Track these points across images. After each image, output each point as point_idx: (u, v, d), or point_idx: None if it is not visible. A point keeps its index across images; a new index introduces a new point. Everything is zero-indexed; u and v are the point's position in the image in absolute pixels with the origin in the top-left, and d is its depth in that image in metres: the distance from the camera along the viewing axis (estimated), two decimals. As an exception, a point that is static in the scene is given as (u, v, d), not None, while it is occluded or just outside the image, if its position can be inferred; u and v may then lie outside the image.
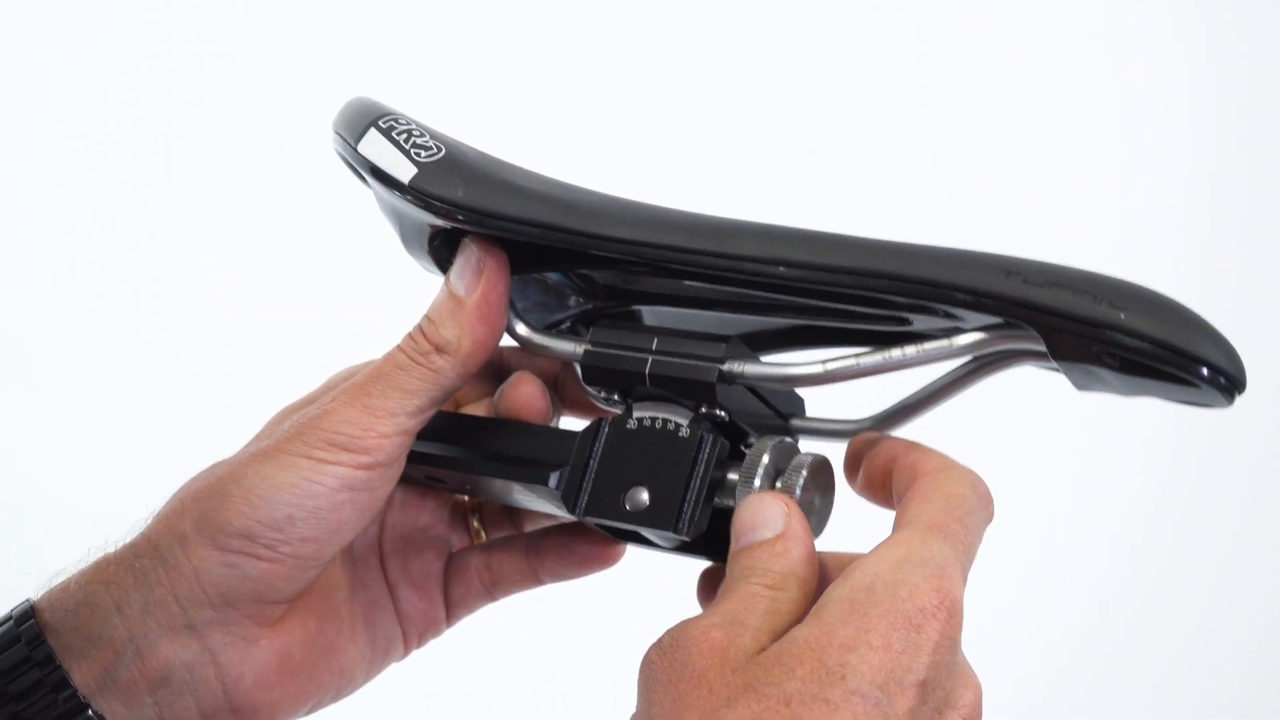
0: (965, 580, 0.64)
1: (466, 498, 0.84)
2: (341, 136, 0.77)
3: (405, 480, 0.80)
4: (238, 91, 1.50)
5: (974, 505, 0.66)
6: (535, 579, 0.81)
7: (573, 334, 0.82)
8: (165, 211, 1.49)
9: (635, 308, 0.81)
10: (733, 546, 0.67)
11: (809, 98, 1.57)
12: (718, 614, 0.63)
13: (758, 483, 0.70)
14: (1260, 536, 1.59)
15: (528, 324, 0.78)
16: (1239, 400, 0.66)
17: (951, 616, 0.61)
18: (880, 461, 0.71)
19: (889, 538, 0.65)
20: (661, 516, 0.71)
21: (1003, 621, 1.48)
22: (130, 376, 1.41)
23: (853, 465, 0.73)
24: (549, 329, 0.82)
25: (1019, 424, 1.42)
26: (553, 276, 0.81)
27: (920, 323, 0.72)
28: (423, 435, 0.76)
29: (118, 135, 1.49)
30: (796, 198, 1.52)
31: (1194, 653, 1.60)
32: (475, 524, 0.83)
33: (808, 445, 0.77)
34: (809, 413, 0.78)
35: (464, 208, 0.73)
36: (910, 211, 1.54)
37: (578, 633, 1.42)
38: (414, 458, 0.76)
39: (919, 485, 0.67)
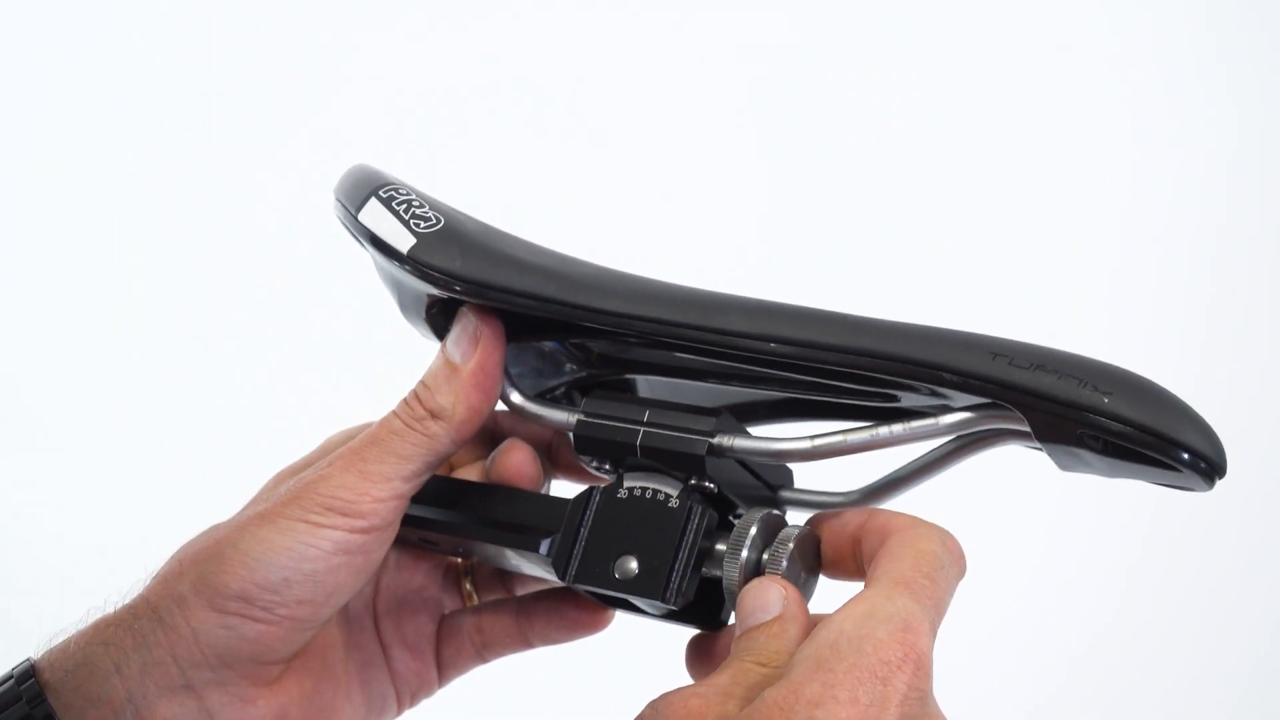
0: (934, 635, 0.64)
1: (460, 560, 0.85)
2: (342, 204, 0.79)
3: (399, 542, 0.81)
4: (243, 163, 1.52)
5: (944, 561, 0.67)
6: (525, 642, 0.82)
7: (567, 400, 0.83)
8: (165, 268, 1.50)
9: (630, 376, 0.83)
10: (736, 631, 0.68)
11: (803, 166, 1.58)
12: (704, 685, 0.64)
13: (744, 554, 0.71)
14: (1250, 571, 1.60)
15: (522, 392, 0.80)
16: (1219, 485, 0.67)
17: (919, 669, 0.61)
18: (848, 531, 0.72)
19: (856, 595, 0.65)
20: (650, 585, 0.72)
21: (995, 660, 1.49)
22: (131, 438, 1.43)
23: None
24: (544, 395, 0.83)
25: (1004, 496, 1.43)
26: (549, 344, 0.82)
27: (909, 399, 0.73)
28: (417, 499, 0.77)
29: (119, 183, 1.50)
30: (796, 269, 1.53)
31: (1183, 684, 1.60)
32: (468, 586, 0.85)
33: (795, 516, 0.78)
34: (798, 484, 0.79)
35: (461, 279, 0.75)
36: (905, 278, 1.55)
37: (567, 698, 1.42)
38: (408, 521, 0.77)
39: (888, 544, 0.67)
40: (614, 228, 1.50)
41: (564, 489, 0.82)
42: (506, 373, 0.79)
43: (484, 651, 0.83)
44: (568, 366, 0.83)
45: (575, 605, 0.80)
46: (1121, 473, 0.68)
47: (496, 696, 1.26)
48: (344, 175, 0.80)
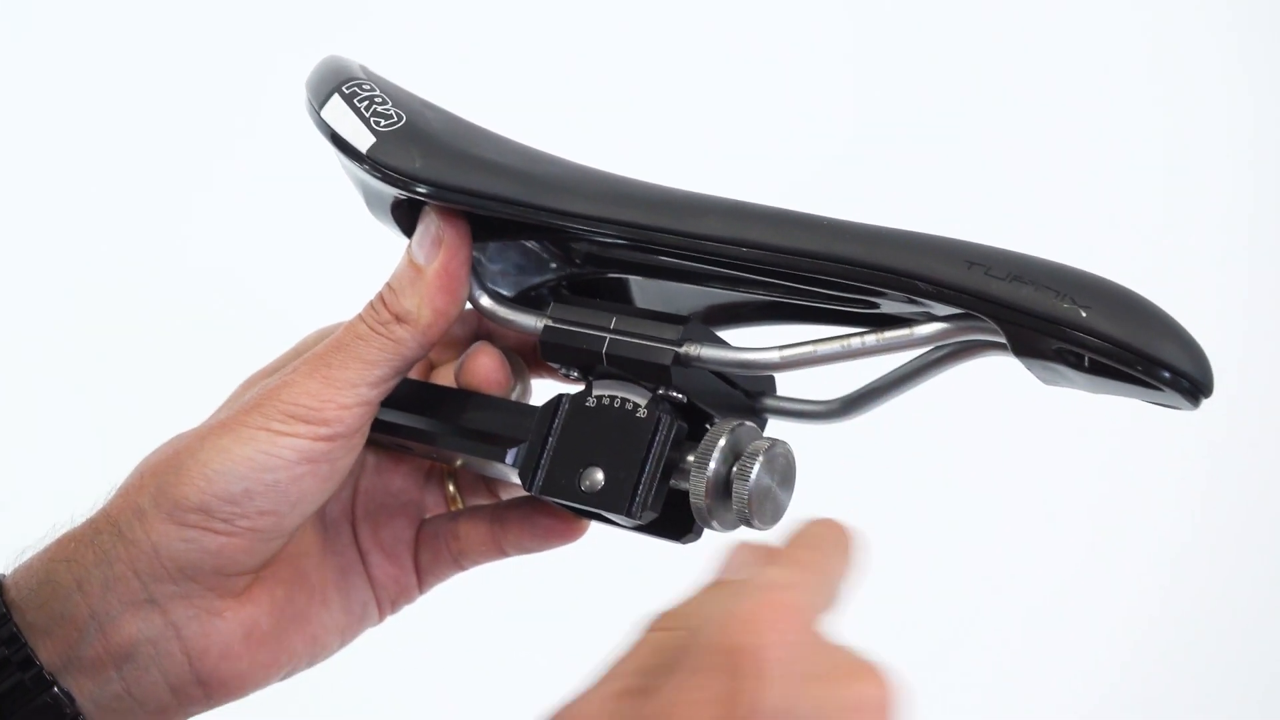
0: (821, 591, 0.57)
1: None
2: (309, 99, 0.76)
3: (376, 445, 0.79)
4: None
5: (823, 534, 0.60)
6: (500, 550, 0.79)
7: (555, 298, 0.80)
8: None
9: (618, 275, 0.79)
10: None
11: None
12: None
13: (712, 466, 0.69)
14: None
15: (491, 294, 0.77)
16: (1206, 403, 0.63)
17: (791, 622, 0.53)
18: None
19: None
20: (614, 499, 0.70)
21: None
22: (98, 333, 1.42)
23: None
24: (528, 293, 0.81)
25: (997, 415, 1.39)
26: (530, 242, 0.79)
27: (889, 305, 0.70)
28: (388, 403, 0.75)
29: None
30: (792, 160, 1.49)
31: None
32: (451, 490, 0.82)
33: (776, 425, 0.75)
34: (780, 391, 0.76)
35: (420, 180, 0.72)
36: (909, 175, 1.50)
37: (549, 613, 1.41)
38: (378, 426, 0.75)
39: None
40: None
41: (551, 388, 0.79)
42: (475, 274, 0.76)
43: (460, 559, 0.80)
44: (551, 264, 0.80)
45: (549, 514, 0.78)
46: (1104, 389, 0.64)
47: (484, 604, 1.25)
48: (315, 67, 0.77)
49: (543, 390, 0.80)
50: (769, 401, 0.75)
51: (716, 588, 0.58)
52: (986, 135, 1.47)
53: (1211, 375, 0.62)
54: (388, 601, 0.81)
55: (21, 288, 1.40)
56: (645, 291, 0.81)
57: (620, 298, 0.81)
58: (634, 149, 1.33)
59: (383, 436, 0.77)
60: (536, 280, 0.80)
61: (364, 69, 0.77)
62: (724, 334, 0.79)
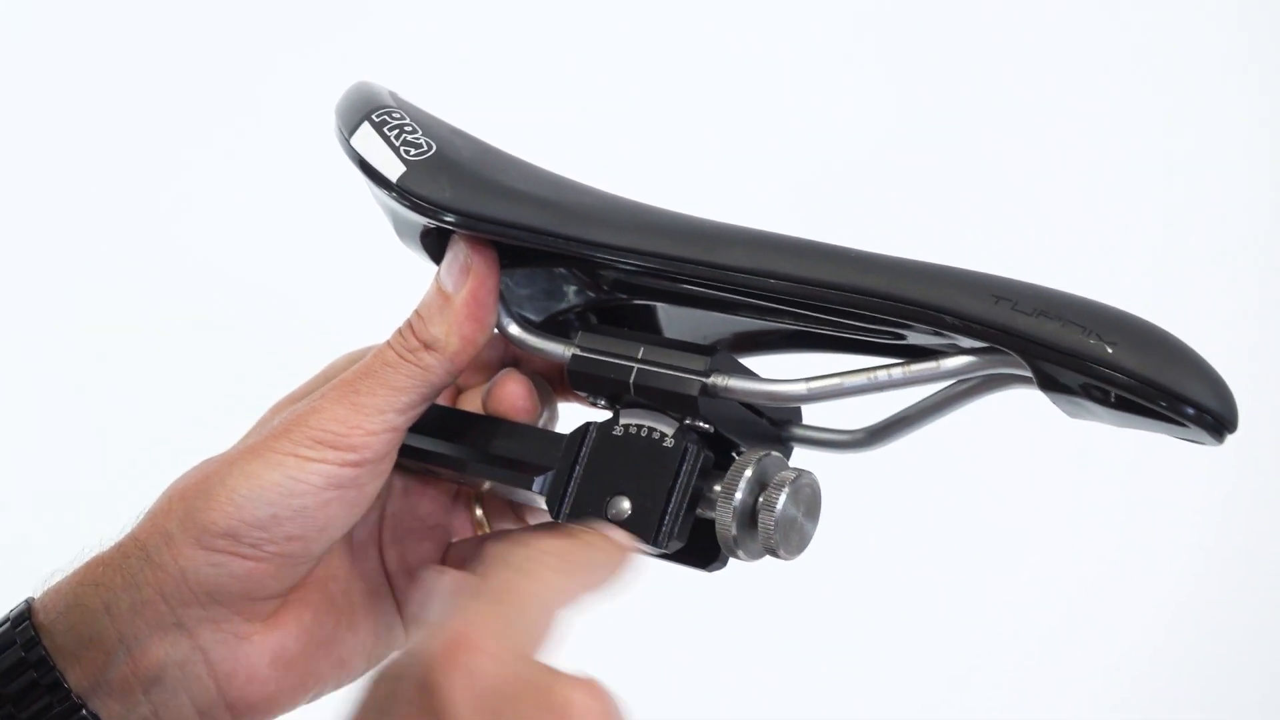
0: (521, 630, 0.59)
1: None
2: (339, 126, 0.76)
3: (403, 470, 0.80)
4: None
5: (534, 557, 0.63)
6: None
7: (583, 324, 0.80)
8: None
9: (645, 303, 0.80)
10: None
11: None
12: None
13: (738, 497, 0.69)
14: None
15: (519, 322, 0.77)
16: (1230, 440, 0.63)
17: (481, 659, 0.57)
18: None
19: None
20: (641, 528, 0.70)
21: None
22: (132, 360, 1.42)
23: None
24: (556, 318, 0.81)
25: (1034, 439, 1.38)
26: (558, 268, 0.79)
27: (915, 337, 0.70)
28: (416, 428, 0.75)
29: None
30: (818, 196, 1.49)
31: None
32: (479, 514, 0.83)
33: (801, 455, 0.76)
34: (806, 420, 0.76)
35: (450, 210, 0.72)
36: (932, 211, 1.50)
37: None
38: (406, 451, 0.76)
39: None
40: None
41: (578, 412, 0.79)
42: (504, 302, 0.77)
43: None
44: (579, 291, 0.80)
45: None
46: (1129, 424, 0.64)
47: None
48: (344, 94, 0.78)
49: (569, 414, 0.80)
50: (795, 430, 0.75)
51: (423, 629, 0.60)
52: (997, 139, 1.47)
53: (1236, 412, 0.62)
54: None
55: (20, 287, 1.41)
56: (672, 318, 0.81)
57: (648, 324, 0.81)
58: (638, 152, 1.34)
59: (410, 461, 0.77)
60: (564, 306, 0.81)
61: (394, 95, 0.77)
62: (751, 361, 0.79)
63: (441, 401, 0.80)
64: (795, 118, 1.47)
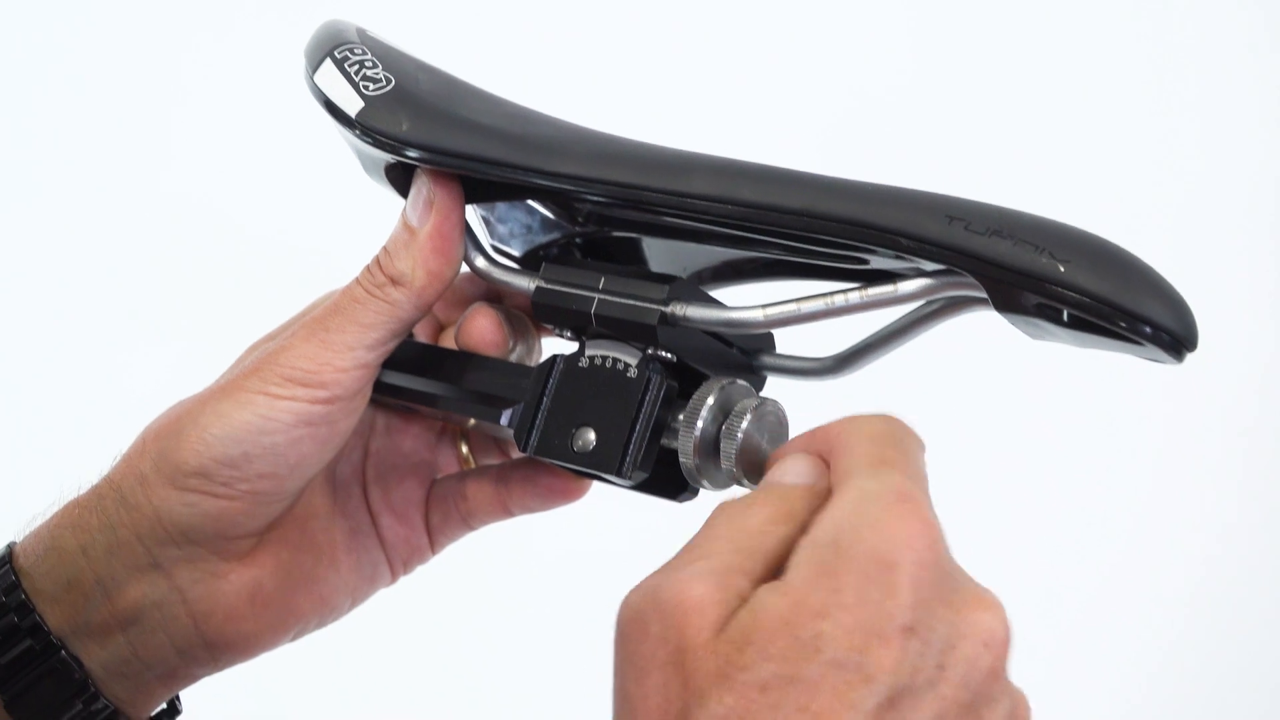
0: (930, 502, 0.56)
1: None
2: (305, 65, 0.76)
3: (385, 407, 0.79)
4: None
5: (899, 435, 0.60)
6: (505, 510, 0.79)
7: (565, 257, 0.80)
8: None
9: (623, 235, 0.79)
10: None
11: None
12: (699, 561, 0.56)
13: (699, 425, 0.68)
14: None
15: (485, 255, 0.77)
16: (1190, 358, 0.62)
17: (930, 541, 0.54)
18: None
19: (836, 491, 0.57)
20: (605, 459, 0.70)
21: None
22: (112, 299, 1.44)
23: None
24: (535, 253, 0.80)
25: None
26: (534, 202, 0.79)
27: (878, 261, 0.69)
28: (391, 365, 0.75)
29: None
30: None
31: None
32: (464, 450, 0.82)
33: (774, 383, 0.75)
34: (780, 349, 0.75)
35: (407, 143, 0.72)
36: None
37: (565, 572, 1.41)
38: (380, 388, 0.76)
39: (836, 443, 0.60)
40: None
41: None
42: (470, 235, 0.76)
43: (469, 518, 0.81)
44: (557, 224, 0.80)
45: (551, 474, 0.78)
46: (1088, 344, 0.63)
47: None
48: (314, 32, 0.77)
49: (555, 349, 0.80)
50: (766, 359, 0.74)
51: (848, 489, 0.56)
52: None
53: (1195, 329, 0.61)
54: (400, 562, 0.81)
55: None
56: (654, 250, 0.80)
57: (630, 256, 0.80)
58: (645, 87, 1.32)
59: (386, 398, 0.77)
60: (544, 239, 0.80)
61: (361, 32, 0.77)
62: (728, 291, 0.78)
63: (423, 339, 0.80)
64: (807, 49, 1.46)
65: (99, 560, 0.73)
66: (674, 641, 0.53)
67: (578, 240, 0.80)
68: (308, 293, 0.80)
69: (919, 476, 0.58)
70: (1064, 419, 1.44)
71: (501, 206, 0.79)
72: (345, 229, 1.11)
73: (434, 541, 0.82)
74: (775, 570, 0.56)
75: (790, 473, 0.61)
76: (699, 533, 0.58)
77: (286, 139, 1.38)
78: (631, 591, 0.56)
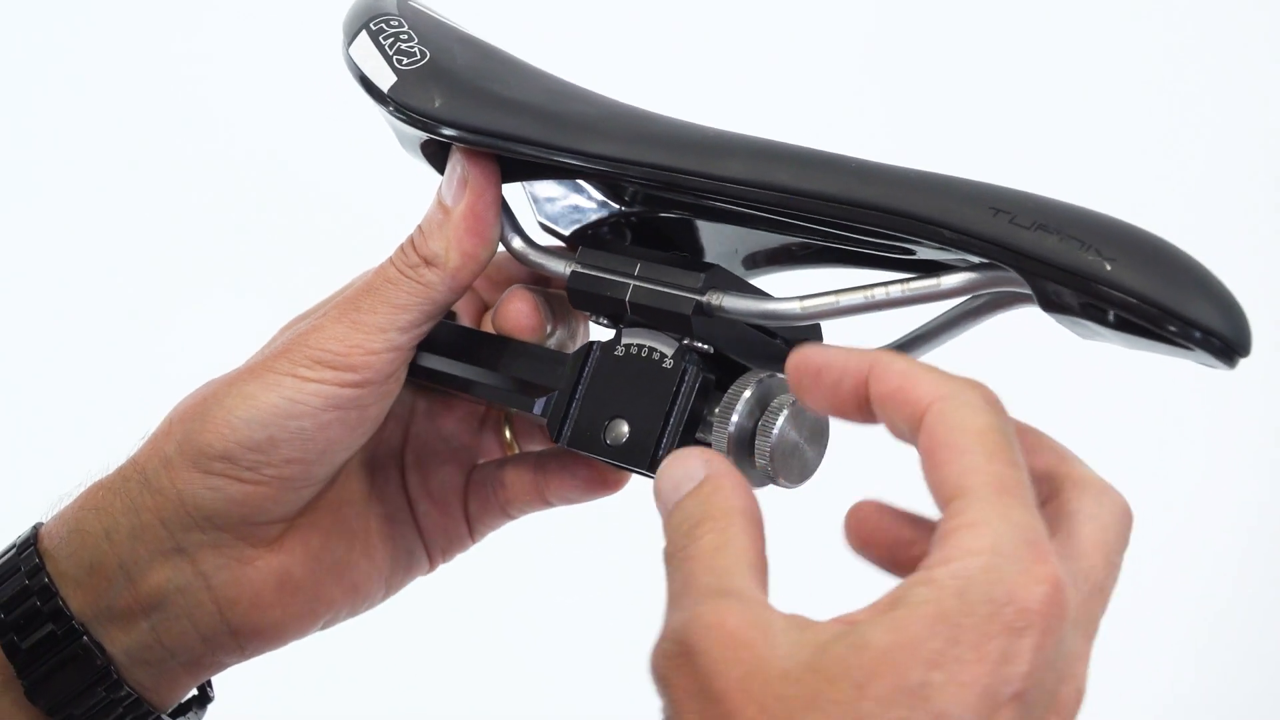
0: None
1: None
2: (343, 38, 0.74)
3: (426, 390, 0.77)
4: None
5: (1005, 429, 0.55)
6: (544, 500, 0.77)
7: (616, 237, 0.77)
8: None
9: (674, 216, 0.76)
10: (661, 515, 0.60)
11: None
12: (706, 595, 0.54)
13: (734, 420, 0.65)
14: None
15: (523, 236, 0.74)
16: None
17: (1060, 608, 0.51)
18: (847, 385, 0.57)
19: (958, 520, 0.52)
20: (637, 454, 0.67)
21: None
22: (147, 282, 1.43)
23: (806, 389, 0.59)
24: (584, 232, 0.77)
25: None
26: (582, 181, 0.76)
27: (925, 252, 0.65)
28: (429, 348, 0.73)
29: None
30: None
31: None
32: (508, 435, 0.80)
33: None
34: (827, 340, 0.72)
35: (440, 120, 0.69)
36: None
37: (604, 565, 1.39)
38: (416, 371, 0.73)
39: (936, 431, 0.54)
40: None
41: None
42: (508, 215, 0.73)
43: (507, 507, 0.78)
44: (604, 204, 0.77)
45: (589, 464, 0.75)
46: (1136, 345, 0.59)
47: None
48: (352, 3, 0.75)
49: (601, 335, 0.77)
50: None
51: (976, 530, 0.52)
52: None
53: (1248, 334, 0.57)
54: (438, 550, 0.79)
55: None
56: (707, 232, 0.77)
57: (685, 238, 0.77)
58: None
59: (422, 382, 0.75)
60: (592, 219, 0.77)
61: (403, 4, 0.74)
62: (782, 277, 0.75)
63: (466, 320, 0.78)
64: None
65: (122, 544, 0.71)
66: (736, 678, 0.51)
67: (630, 220, 0.77)
68: (353, 267, 0.78)
69: (1032, 499, 0.54)
70: (1110, 418, 1.40)
71: (549, 184, 0.77)
72: (391, 200, 1.08)
73: (473, 529, 0.79)
74: (762, 567, 0.55)
75: (685, 482, 0.59)
76: (683, 567, 0.56)
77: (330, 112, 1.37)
78: (655, 653, 0.54)
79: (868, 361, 0.57)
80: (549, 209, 0.77)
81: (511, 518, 0.79)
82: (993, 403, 0.55)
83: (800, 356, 0.59)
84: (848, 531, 0.59)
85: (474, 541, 0.80)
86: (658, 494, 0.60)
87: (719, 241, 0.76)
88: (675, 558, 0.57)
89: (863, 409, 0.58)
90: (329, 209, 1.40)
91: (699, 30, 1.45)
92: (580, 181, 0.76)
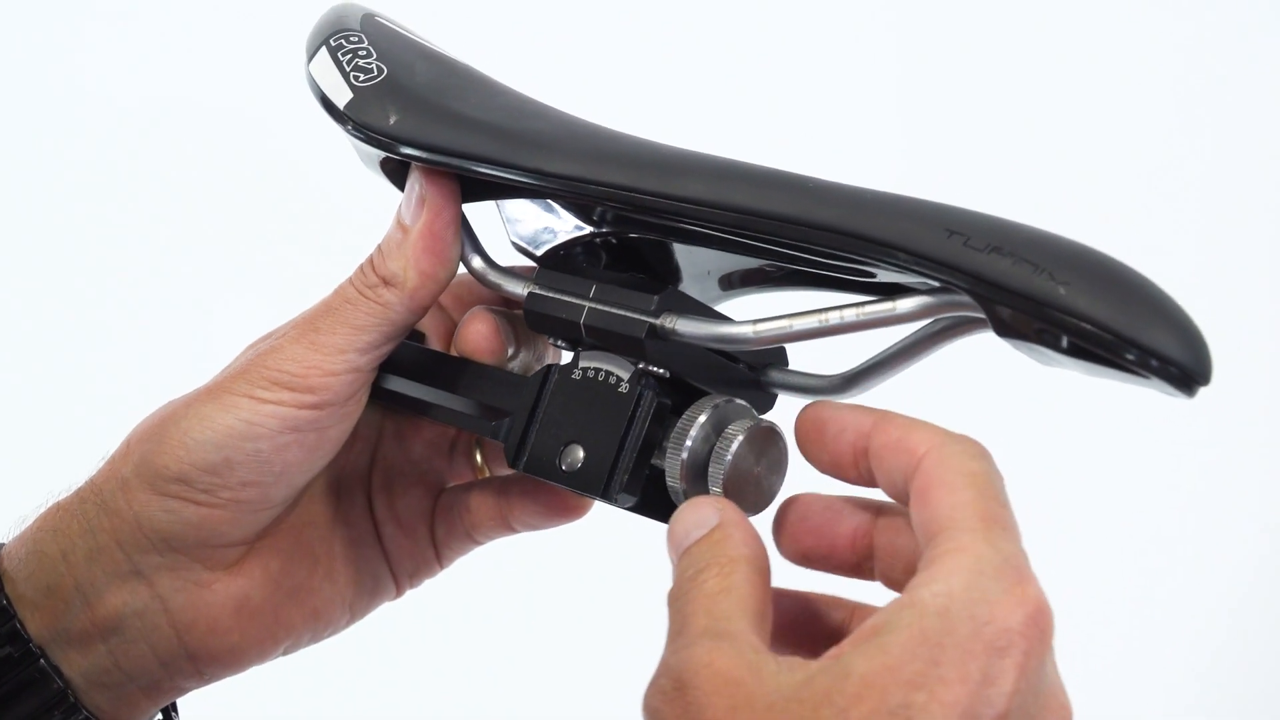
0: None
1: None
2: (305, 55, 0.73)
3: (395, 412, 0.76)
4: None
5: (995, 475, 0.56)
6: (507, 526, 0.75)
7: (590, 259, 0.76)
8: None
9: (640, 236, 0.74)
10: (671, 560, 0.60)
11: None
12: (701, 636, 0.54)
13: (688, 446, 0.64)
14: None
15: (483, 256, 0.72)
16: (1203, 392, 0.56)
17: (1043, 631, 0.51)
18: (848, 438, 0.61)
19: (943, 546, 0.54)
20: (591, 480, 0.66)
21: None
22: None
23: (810, 441, 0.63)
24: (556, 252, 0.76)
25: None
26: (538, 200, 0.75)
27: (885, 275, 0.63)
28: (393, 369, 0.72)
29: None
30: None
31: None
32: (479, 459, 0.78)
33: (783, 401, 0.70)
34: (792, 364, 0.70)
35: (394, 137, 0.68)
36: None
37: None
38: (380, 394, 0.72)
39: (930, 472, 0.56)
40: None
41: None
42: (469, 234, 0.72)
43: (472, 532, 0.76)
44: (576, 225, 0.75)
45: (550, 489, 0.73)
46: (1096, 373, 0.57)
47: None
48: (318, 19, 0.74)
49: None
50: (775, 375, 0.69)
51: (960, 555, 0.53)
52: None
53: (1208, 361, 0.55)
54: (405, 575, 0.78)
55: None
56: (682, 252, 0.75)
57: (661, 259, 0.76)
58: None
59: (389, 405, 0.74)
60: (564, 240, 0.76)
61: (367, 17, 0.73)
62: (756, 299, 0.74)
63: (435, 342, 0.76)
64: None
65: (79, 566, 0.70)
66: (724, 710, 0.52)
67: (603, 241, 0.76)
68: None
69: (1020, 536, 0.55)
70: (1085, 440, 1.39)
71: (520, 204, 0.75)
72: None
73: (440, 555, 0.78)
74: (763, 615, 0.56)
75: (697, 527, 0.59)
76: (683, 609, 0.57)
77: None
78: (649, 689, 0.54)
79: (871, 418, 0.60)
80: (520, 229, 0.76)
81: (478, 543, 0.77)
82: (985, 454, 0.57)
83: (809, 411, 0.62)
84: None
85: (442, 567, 0.78)
86: (670, 538, 0.61)
87: (695, 263, 0.75)
88: (678, 600, 0.58)
89: (860, 463, 0.60)
90: (318, 217, 1.39)
91: (699, 32, 1.44)
92: (551, 202, 0.75)
